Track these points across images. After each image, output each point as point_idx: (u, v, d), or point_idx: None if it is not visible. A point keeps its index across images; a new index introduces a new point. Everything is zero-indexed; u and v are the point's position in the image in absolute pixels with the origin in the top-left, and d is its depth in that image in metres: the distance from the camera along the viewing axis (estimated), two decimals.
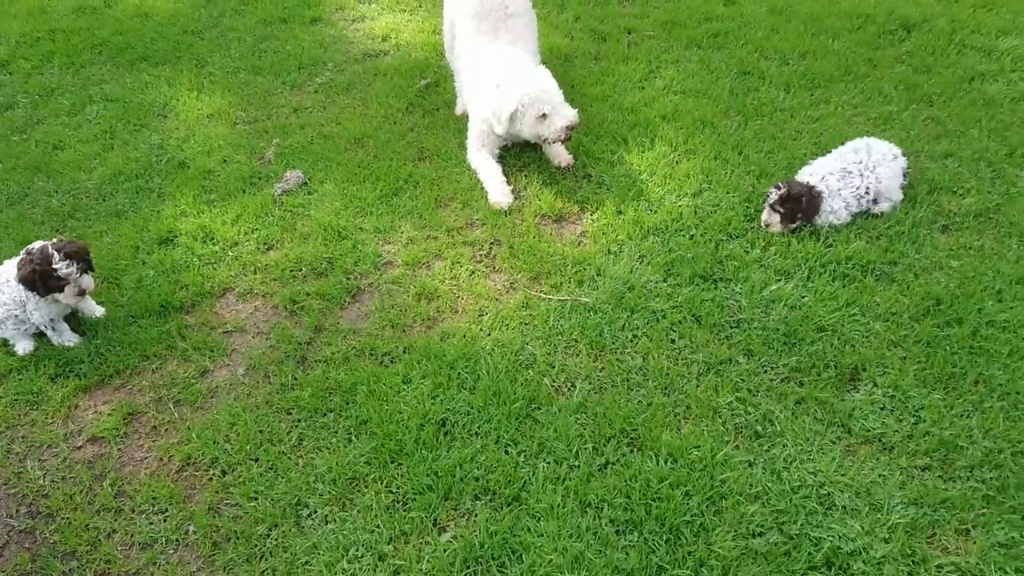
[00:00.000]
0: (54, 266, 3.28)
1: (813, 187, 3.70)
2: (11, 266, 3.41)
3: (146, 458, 3.09)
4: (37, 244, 3.35)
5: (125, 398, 3.31)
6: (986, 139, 4.24)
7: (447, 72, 5.22)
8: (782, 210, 3.69)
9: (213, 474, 3.00)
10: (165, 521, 2.85)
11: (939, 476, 2.78)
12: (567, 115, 3.97)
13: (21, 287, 3.34)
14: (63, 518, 2.89)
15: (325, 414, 3.17)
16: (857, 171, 3.74)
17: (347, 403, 3.19)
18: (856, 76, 4.85)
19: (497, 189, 4.13)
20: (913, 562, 2.54)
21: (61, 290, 3.34)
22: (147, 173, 4.53)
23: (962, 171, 4.04)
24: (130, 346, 3.49)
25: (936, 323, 3.28)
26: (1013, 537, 2.58)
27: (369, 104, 5.01)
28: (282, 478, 2.94)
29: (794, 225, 3.73)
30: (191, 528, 2.83)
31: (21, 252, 3.37)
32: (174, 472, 3.02)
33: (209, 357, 3.45)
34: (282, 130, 4.81)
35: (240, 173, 4.43)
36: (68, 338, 3.52)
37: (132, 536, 2.82)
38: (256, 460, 3.02)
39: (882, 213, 3.80)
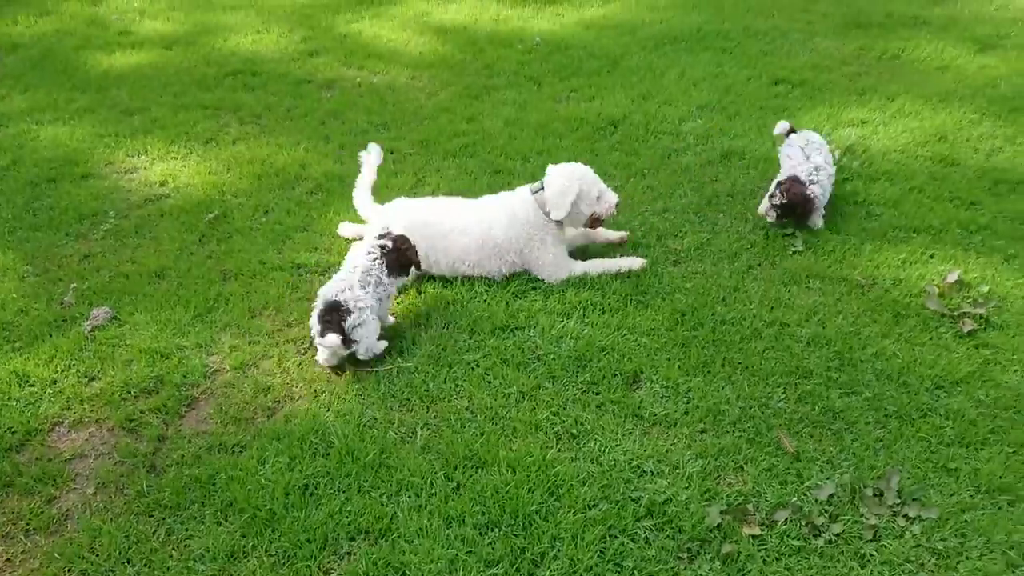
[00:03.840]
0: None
1: (808, 196, 4.71)
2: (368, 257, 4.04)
3: None
4: (377, 240, 4.07)
5: None
6: (689, 195, 5.42)
7: (233, 204, 5.63)
8: (779, 211, 4.78)
9: None
10: None
11: (713, 434, 3.56)
12: (612, 195, 4.64)
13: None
14: None
15: (188, 507, 3.33)
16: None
17: (208, 493, 3.38)
18: None
19: (627, 262, 4.67)
20: (710, 496, 3.24)
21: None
22: None
23: (678, 220, 5.15)
24: None
25: (685, 329, 4.17)
26: (773, 463, 3.39)
27: (162, 241, 5.25)
28: (159, 569, 3.07)
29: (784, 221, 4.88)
30: None
31: (372, 250, 4.03)
32: None
33: (53, 485, 3.47)
34: (77, 276, 4.90)
35: (42, 319, 4.47)
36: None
37: None
38: (128, 561, 3.12)
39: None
